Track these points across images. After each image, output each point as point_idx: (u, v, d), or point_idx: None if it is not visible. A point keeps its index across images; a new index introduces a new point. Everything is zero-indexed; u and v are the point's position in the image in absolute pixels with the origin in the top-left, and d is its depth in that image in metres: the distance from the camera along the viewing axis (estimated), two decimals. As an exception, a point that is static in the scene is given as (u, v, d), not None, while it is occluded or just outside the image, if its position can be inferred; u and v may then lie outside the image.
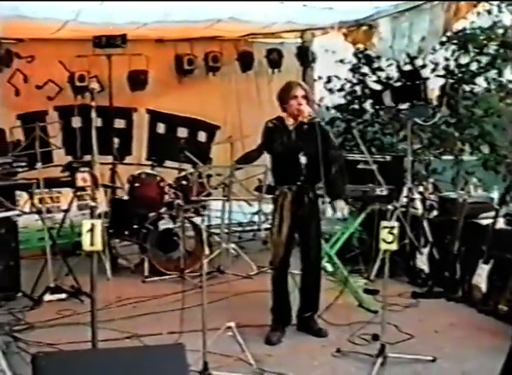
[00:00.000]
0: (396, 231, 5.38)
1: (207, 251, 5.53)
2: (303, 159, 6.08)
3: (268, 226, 9.94)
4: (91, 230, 4.80)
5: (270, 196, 6.36)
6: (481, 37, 8.69)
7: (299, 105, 6.08)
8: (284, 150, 6.10)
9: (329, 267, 7.11)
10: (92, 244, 4.82)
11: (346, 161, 7.97)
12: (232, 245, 8.83)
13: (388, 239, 5.39)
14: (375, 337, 5.92)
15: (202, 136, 10.91)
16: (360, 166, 7.97)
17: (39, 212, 7.45)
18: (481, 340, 6.13)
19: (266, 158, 6.47)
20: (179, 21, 8.74)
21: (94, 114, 5.13)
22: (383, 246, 5.47)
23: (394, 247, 5.41)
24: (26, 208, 7.73)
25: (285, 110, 6.23)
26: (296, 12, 8.65)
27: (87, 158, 9.17)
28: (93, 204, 4.99)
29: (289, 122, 6.19)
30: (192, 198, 6.66)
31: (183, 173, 8.51)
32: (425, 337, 6.23)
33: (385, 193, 6.91)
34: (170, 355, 3.93)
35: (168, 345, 4.65)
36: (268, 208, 9.74)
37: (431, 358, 5.62)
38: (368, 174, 7.62)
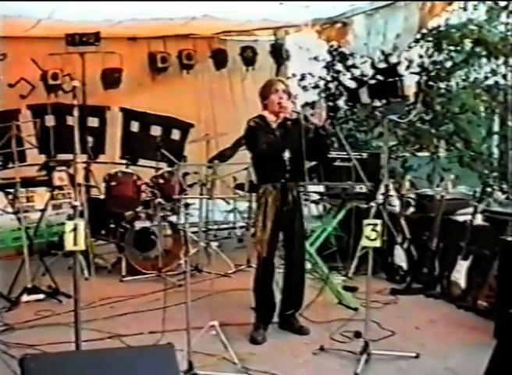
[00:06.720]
0: (379, 228, 5.38)
1: (190, 250, 5.49)
2: (287, 157, 6.03)
3: (243, 224, 10.04)
4: (74, 229, 4.76)
5: (252, 194, 6.32)
6: (456, 35, 8.74)
7: (280, 99, 6.03)
8: (268, 148, 5.99)
9: (308, 265, 7.07)
10: (75, 243, 4.78)
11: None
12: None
13: (371, 236, 5.39)
14: (357, 335, 5.92)
15: (176, 134, 10.88)
16: (336, 163, 7.98)
17: (16, 211, 7.37)
18: (462, 336, 6.16)
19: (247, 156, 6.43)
20: (154, 19, 8.71)
21: (76, 113, 5.08)
22: (366, 243, 5.47)
23: (377, 244, 5.42)
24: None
25: (266, 107, 6.15)
26: (272, 9, 8.63)
27: (61, 157, 9.13)
28: (76, 203, 4.93)
29: (272, 119, 6.13)
30: (174, 197, 6.61)
31: (161, 172, 8.45)
32: (407, 333, 6.25)
33: (364, 190, 6.90)
34: (160, 355, 3.90)
35: (158, 345, 4.62)
36: (243, 206, 9.83)
37: (414, 354, 5.64)
38: (344, 171, 7.64)
